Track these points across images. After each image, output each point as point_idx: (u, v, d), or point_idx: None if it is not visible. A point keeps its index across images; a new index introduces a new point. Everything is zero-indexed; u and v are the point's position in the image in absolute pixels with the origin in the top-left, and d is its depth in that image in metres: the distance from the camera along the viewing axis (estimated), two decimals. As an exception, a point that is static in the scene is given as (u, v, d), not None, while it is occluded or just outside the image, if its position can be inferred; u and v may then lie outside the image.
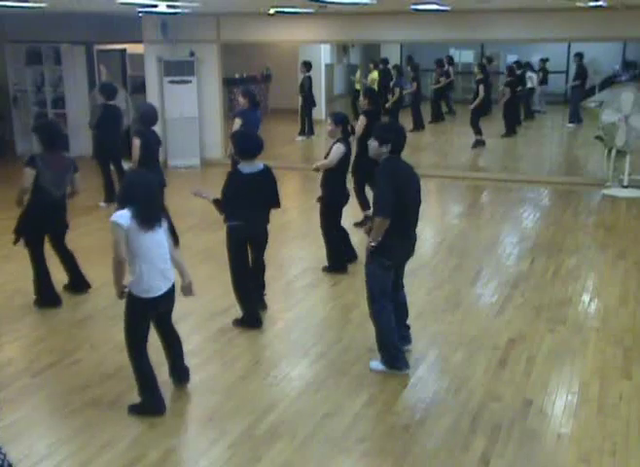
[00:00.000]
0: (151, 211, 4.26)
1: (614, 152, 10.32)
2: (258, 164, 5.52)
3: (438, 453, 4.00)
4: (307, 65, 15.53)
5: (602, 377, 4.86)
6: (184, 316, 5.27)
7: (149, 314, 4.38)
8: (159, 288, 4.29)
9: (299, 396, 4.64)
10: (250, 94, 8.87)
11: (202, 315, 5.90)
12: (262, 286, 6.02)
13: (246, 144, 5.56)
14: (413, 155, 14.57)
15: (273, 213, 5.75)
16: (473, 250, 7.76)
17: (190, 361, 4.90)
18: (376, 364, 4.99)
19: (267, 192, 5.61)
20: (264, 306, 6.00)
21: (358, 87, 18.15)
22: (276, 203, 5.72)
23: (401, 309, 5.20)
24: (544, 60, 18.36)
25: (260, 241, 5.74)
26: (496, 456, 3.95)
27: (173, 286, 4.41)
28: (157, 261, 4.27)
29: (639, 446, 4.06)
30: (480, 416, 4.36)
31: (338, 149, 6.67)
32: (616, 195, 10.14)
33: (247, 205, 5.47)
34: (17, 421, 4.36)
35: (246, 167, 5.47)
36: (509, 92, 15.06)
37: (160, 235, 4.31)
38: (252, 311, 5.70)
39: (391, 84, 15.94)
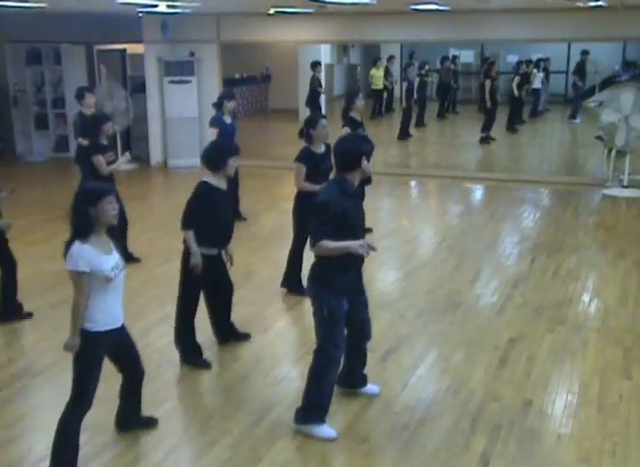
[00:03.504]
0: None
1: (614, 152, 10.31)
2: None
3: (438, 453, 4.00)
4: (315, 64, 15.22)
5: (602, 376, 4.86)
6: (184, 316, 5.26)
7: None
8: None
9: (299, 396, 4.63)
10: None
11: (202, 315, 5.89)
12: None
13: None
14: (413, 155, 14.62)
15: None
16: (473, 250, 7.75)
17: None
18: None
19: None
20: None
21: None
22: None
23: None
24: (544, 60, 18.34)
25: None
26: (496, 456, 3.95)
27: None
28: None
29: (639, 446, 4.06)
30: (480, 416, 4.35)
31: None
32: (616, 195, 10.13)
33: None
34: (17, 421, 4.37)
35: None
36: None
37: None
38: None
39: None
